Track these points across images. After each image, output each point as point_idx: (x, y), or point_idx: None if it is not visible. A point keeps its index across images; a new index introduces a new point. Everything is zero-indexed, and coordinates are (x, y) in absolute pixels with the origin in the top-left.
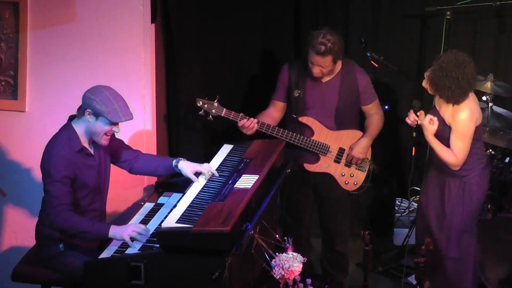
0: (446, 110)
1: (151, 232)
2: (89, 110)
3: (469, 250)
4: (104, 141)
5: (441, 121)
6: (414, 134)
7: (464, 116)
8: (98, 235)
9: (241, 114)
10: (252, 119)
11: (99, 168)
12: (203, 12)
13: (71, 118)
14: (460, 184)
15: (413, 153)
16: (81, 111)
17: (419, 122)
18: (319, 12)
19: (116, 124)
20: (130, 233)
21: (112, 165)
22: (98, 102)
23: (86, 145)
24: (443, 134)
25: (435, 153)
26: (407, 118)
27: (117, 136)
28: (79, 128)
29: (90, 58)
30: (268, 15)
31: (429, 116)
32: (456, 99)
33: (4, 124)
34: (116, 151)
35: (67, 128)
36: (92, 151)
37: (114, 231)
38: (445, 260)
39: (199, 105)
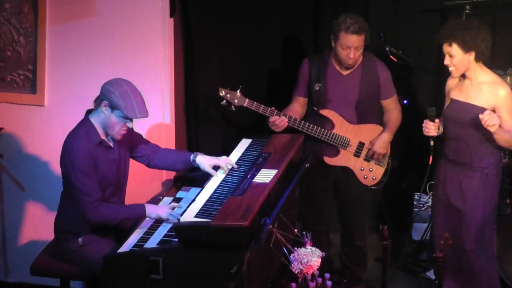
0: (479, 95)
1: (166, 231)
2: (106, 102)
3: (491, 242)
4: (118, 135)
5: (479, 109)
6: (432, 143)
7: (506, 91)
8: (137, 216)
9: (270, 108)
10: (283, 117)
11: (119, 162)
12: (222, 5)
13: (88, 112)
14: (481, 176)
15: (430, 162)
16: (98, 101)
17: (490, 127)
18: (338, 7)
19: (130, 119)
20: (166, 212)
21: (130, 160)
22: (116, 95)
23: (104, 138)
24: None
25: (453, 151)
26: (425, 131)
27: (136, 130)
28: (96, 121)
29: (109, 52)
30: (287, 9)
31: (488, 114)
32: (488, 51)
33: (23, 118)
34: (135, 145)
35: (85, 123)
36: (111, 144)
37: (150, 209)
38: (467, 254)
39: (221, 94)
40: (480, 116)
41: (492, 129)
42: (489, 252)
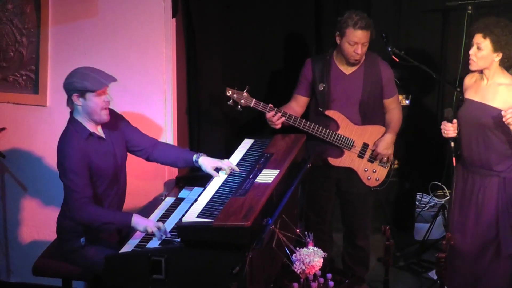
0: (496, 96)
1: (168, 230)
2: (75, 94)
3: None
4: (104, 115)
5: (495, 110)
6: (452, 144)
7: None
8: (121, 225)
9: (269, 105)
10: (279, 114)
11: (114, 153)
12: (224, 5)
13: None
14: (499, 180)
15: (454, 164)
16: (70, 101)
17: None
18: (340, 6)
19: (102, 91)
20: (152, 227)
21: (131, 157)
22: (76, 81)
23: (94, 130)
24: (502, 122)
25: (469, 154)
26: (443, 132)
27: (136, 125)
28: (79, 116)
29: (111, 53)
30: (289, 8)
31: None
32: None
33: (26, 118)
34: (132, 139)
35: (71, 121)
36: (103, 135)
37: (137, 220)
38: (495, 260)
39: (228, 94)
40: (503, 112)
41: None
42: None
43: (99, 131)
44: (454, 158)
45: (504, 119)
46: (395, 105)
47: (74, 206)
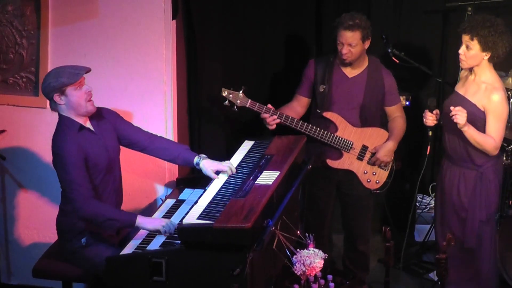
0: (476, 93)
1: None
2: (56, 94)
3: (488, 241)
4: (90, 106)
5: (472, 106)
6: (430, 133)
7: (499, 97)
8: (125, 222)
9: (265, 106)
10: (274, 116)
11: (106, 146)
12: (225, 7)
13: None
14: (476, 175)
15: (428, 152)
16: (52, 104)
17: (457, 122)
18: (341, 8)
19: (79, 82)
20: (157, 225)
21: (132, 158)
22: (53, 81)
23: (83, 124)
24: (476, 118)
25: (450, 145)
26: (424, 120)
27: (136, 124)
28: (66, 113)
29: (111, 54)
30: (290, 9)
31: (460, 111)
32: (504, 56)
33: (26, 120)
34: (124, 132)
35: (61, 119)
36: (93, 128)
37: (142, 220)
38: (466, 253)
39: (224, 95)
40: (451, 108)
41: (456, 122)
42: (488, 253)
43: (88, 125)
44: (429, 147)
45: (451, 114)
46: (399, 113)
47: (78, 200)
